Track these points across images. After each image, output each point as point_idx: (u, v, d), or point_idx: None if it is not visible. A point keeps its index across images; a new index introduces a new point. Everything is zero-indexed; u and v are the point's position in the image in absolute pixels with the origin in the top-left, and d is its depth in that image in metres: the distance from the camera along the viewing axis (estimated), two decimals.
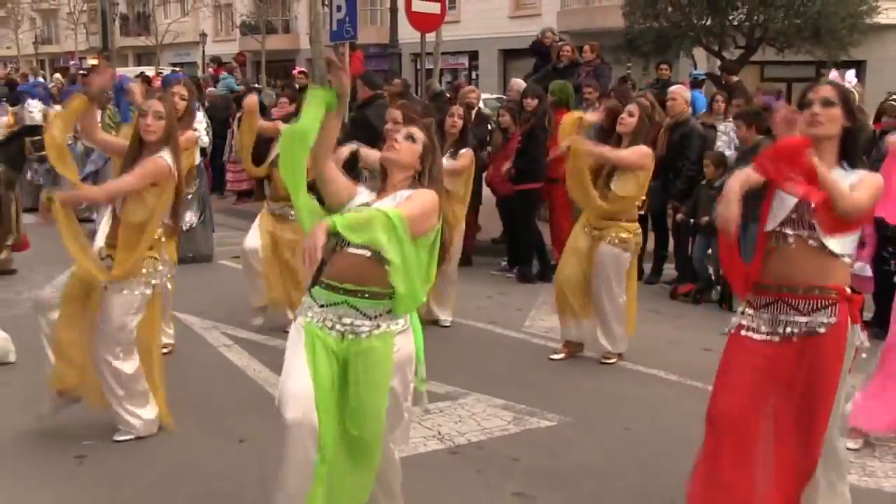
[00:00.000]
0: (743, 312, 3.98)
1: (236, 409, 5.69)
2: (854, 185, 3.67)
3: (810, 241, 3.73)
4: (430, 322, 7.36)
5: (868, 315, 7.57)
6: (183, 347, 6.78)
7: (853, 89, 8.48)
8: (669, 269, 9.76)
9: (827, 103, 3.75)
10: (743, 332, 3.92)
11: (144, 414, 5.17)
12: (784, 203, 3.83)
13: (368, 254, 3.51)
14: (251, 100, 7.61)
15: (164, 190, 4.99)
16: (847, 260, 3.82)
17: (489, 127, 10.91)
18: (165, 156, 4.95)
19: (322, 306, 3.63)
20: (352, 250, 3.54)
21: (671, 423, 5.44)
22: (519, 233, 10.05)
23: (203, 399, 5.87)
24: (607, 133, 6.90)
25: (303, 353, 3.58)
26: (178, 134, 5.16)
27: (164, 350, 6.14)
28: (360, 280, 3.58)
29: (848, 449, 5.08)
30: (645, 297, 9.00)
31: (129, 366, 5.08)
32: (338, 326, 3.61)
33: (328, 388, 3.58)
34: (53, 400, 5.19)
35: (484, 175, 10.41)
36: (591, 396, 6.14)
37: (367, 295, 3.59)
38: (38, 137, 11.70)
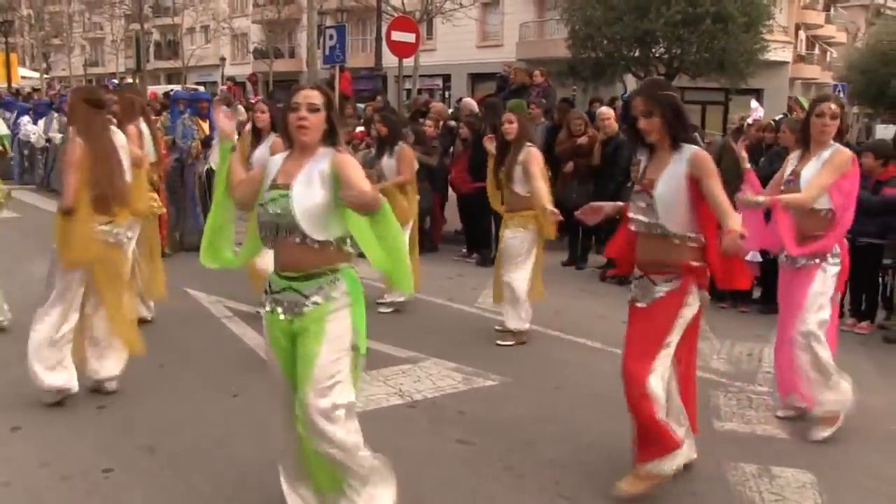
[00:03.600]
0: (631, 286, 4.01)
1: (232, 368, 5.60)
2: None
3: (654, 231, 3.80)
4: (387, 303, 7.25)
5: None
6: (190, 318, 6.68)
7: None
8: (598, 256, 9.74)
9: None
10: (630, 299, 3.98)
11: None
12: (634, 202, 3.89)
13: (298, 240, 3.21)
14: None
15: None
16: (691, 242, 3.79)
17: (451, 136, 10.84)
18: None
19: (274, 293, 3.34)
20: (294, 239, 3.23)
21: (593, 382, 5.41)
22: (476, 224, 10.01)
23: (205, 360, 5.78)
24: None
25: (271, 348, 3.40)
26: None
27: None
28: (298, 266, 3.26)
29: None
30: (578, 279, 9.03)
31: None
32: (286, 308, 3.29)
33: (288, 362, 3.34)
34: None
35: (448, 177, 10.35)
36: (529, 360, 6.08)
37: (303, 278, 3.26)
38: None
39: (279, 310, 3.31)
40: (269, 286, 3.38)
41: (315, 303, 3.25)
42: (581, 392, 5.38)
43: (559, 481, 4.07)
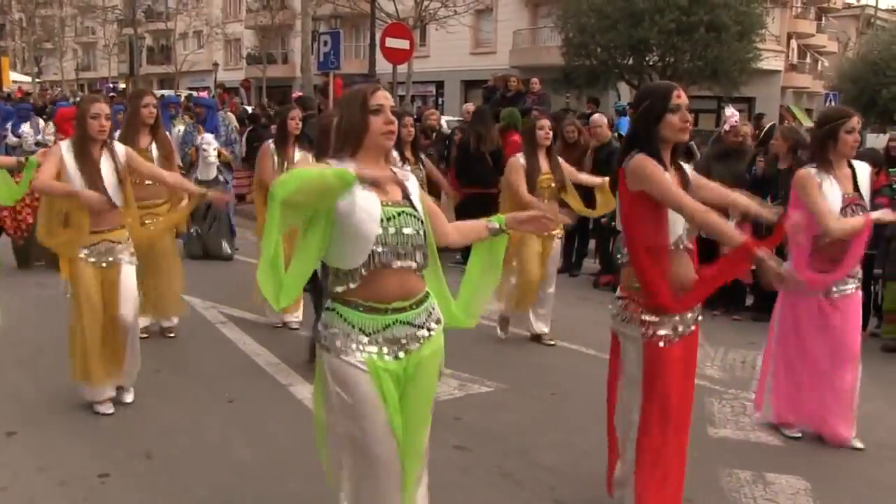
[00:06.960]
0: None
1: (227, 374, 5.61)
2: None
3: None
4: None
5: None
6: (186, 324, 6.67)
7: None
8: (592, 264, 9.79)
9: None
10: None
11: None
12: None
13: (416, 265, 2.81)
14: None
15: None
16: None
17: (447, 143, 10.89)
18: None
19: (369, 335, 2.77)
20: (412, 263, 2.79)
21: (588, 390, 5.40)
22: None
23: (200, 366, 5.80)
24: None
25: (380, 407, 2.76)
26: None
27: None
28: (408, 294, 2.82)
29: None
30: (572, 286, 9.05)
31: None
32: (395, 348, 2.80)
33: (395, 408, 2.82)
34: None
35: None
36: (524, 367, 6.13)
37: (413, 306, 2.84)
38: None
39: (384, 352, 2.79)
40: (352, 327, 2.78)
41: (430, 329, 2.88)
42: (576, 399, 5.40)
43: (555, 487, 4.10)
